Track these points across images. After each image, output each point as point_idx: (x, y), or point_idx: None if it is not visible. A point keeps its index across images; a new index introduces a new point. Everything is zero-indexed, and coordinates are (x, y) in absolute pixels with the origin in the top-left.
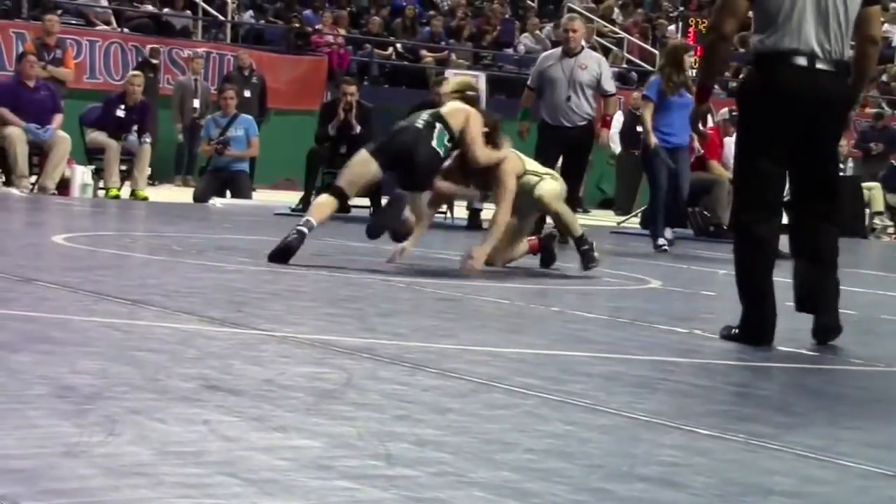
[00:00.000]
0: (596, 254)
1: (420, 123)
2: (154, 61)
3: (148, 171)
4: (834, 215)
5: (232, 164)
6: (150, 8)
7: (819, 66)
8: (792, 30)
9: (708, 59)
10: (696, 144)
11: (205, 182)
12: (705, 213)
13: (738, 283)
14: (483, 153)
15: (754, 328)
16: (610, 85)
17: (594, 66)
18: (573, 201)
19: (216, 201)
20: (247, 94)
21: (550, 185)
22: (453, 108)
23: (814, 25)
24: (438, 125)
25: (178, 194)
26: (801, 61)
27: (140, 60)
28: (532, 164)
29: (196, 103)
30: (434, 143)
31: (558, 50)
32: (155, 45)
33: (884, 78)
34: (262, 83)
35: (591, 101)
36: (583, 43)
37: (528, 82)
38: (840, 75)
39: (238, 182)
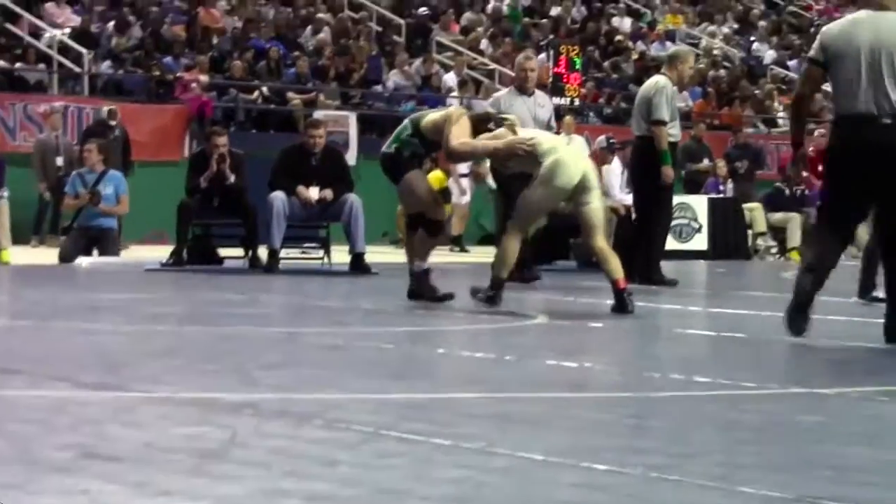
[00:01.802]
0: (482, 295)
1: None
2: (112, 122)
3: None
4: None
5: (100, 221)
6: (1, 63)
7: (881, 121)
8: (852, 95)
9: (794, 116)
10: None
11: (72, 240)
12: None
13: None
14: (449, 141)
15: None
16: (554, 123)
17: (549, 104)
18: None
19: (83, 261)
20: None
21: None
22: (431, 119)
23: (871, 90)
24: (405, 123)
25: (39, 255)
26: (861, 120)
27: (97, 121)
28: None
29: (59, 161)
30: (387, 145)
31: (510, 90)
32: (112, 107)
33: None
34: (125, 135)
35: None
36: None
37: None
38: None
39: (106, 239)
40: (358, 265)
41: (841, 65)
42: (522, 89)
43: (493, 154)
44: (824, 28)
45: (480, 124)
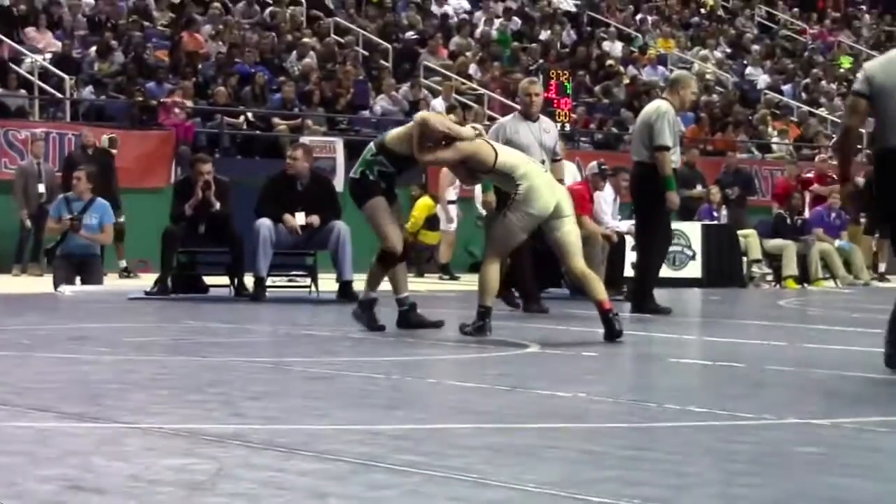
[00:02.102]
0: (469, 329)
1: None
2: (113, 151)
3: None
4: None
5: (84, 248)
6: None
7: None
8: (893, 130)
9: (841, 148)
10: None
11: (59, 268)
12: None
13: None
14: (420, 155)
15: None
16: (560, 149)
17: (554, 130)
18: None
19: (65, 289)
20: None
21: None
22: (396, 133)
23: None
24: (369, 145)
25: (22, 284)
26: None
27: (94, 148)
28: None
29: (41, 188)
30: (353, 170)
31: (514, 116)
32: (112, 135)
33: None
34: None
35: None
36: None
37: None
38: None
39: (89, 267)
40: (346, 293)
41: (883, 99)
42: (527, 115)
43: (461, 146)
44: (867, 63)
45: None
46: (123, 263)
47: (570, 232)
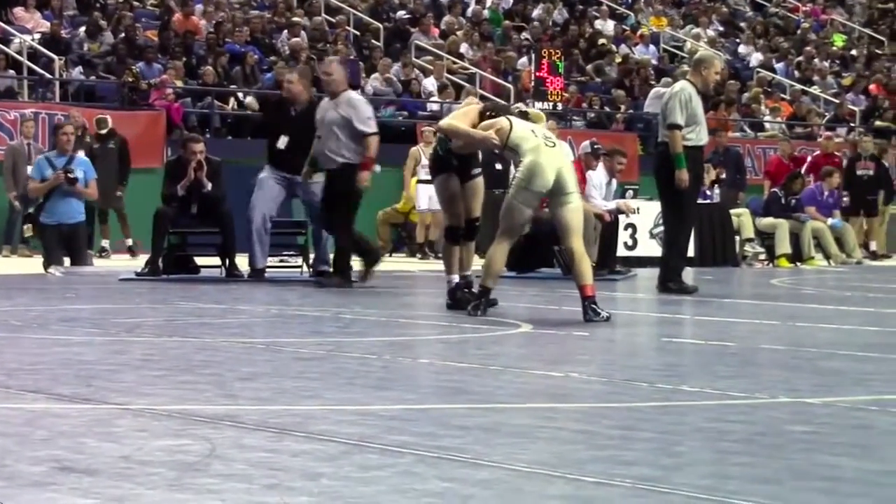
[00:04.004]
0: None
1: None
2: (103, 132)
3: None
4: None
5: (71, 213)
6: None
7: None
8: None
9: None
10: None
11: (50, 241)
12: None
13: None
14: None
15: None
16: (365, 125)
17: (345, 107)
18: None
19: (55, 270)
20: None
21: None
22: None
23: None
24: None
25: (11, 265)
26: None
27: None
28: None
29: (30, 170)
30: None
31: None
32: (99, 116)
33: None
34: (122, 143)
35: (350, 142)
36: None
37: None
38: None
39: (77, 236)
40: (319, 272)
41: None
42: (330, 94)
43: (470, 140)
44: None
45: (486, 117)
46: (130, 242)
47: (572, 209)
